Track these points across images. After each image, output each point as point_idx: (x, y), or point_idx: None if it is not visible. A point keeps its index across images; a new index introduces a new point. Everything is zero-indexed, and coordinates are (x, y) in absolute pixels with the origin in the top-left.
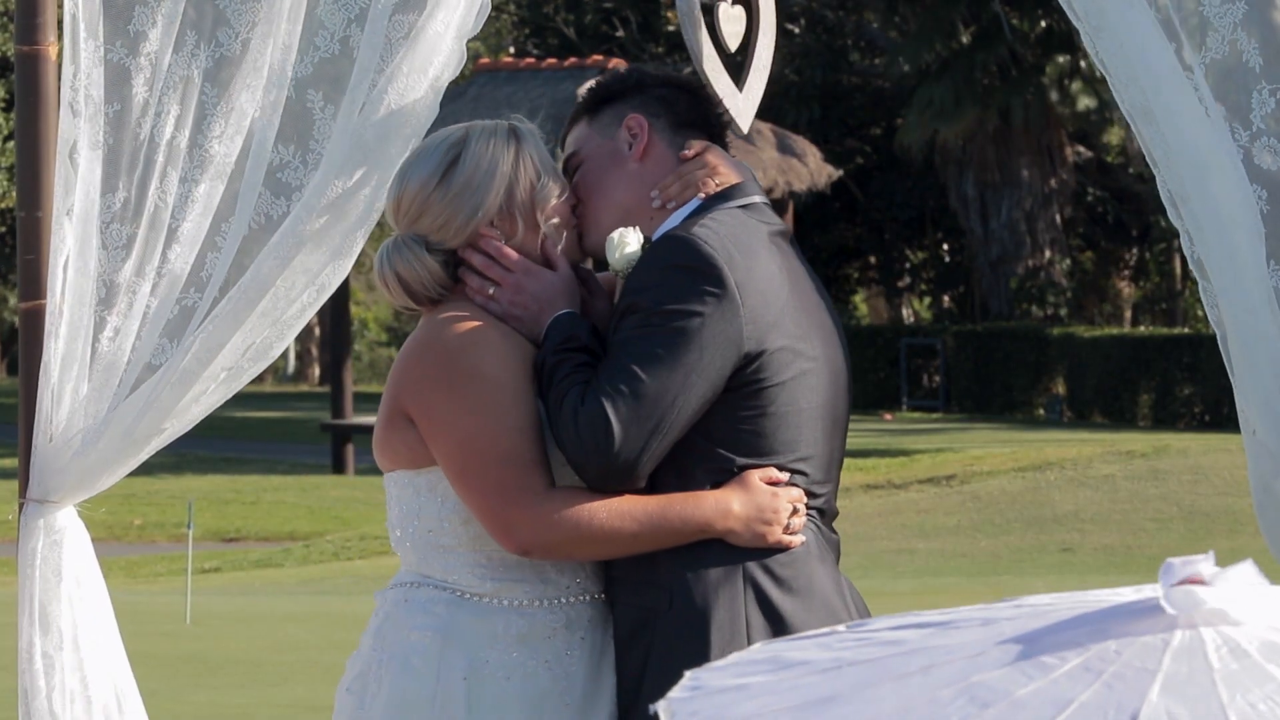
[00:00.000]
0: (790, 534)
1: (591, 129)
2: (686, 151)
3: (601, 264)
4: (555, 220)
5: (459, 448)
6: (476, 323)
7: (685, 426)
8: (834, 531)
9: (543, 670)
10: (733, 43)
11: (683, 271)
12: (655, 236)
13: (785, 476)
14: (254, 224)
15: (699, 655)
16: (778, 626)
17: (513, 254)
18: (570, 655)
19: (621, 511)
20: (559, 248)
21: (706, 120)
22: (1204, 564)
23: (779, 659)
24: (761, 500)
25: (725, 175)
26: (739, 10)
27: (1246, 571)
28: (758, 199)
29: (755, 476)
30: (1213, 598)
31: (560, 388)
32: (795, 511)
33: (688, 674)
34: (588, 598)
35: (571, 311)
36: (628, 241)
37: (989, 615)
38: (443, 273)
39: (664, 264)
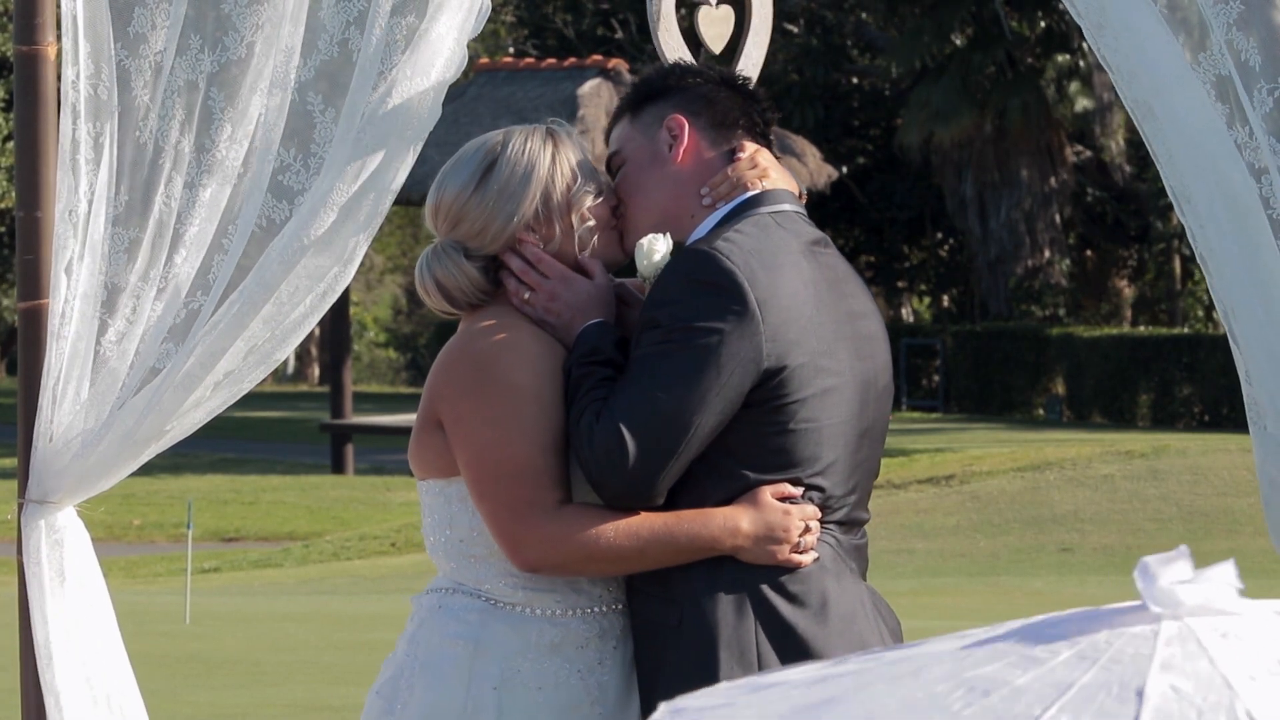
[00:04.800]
0: (801, 552)
1: (634, 128)
2: (740, 154)
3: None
4: (590, 222)
5: (476, 459)
6: (511, 330)
7: (703, 444)
8: (861, 537)
9: (575, 680)
10: (716, 45)
11: (703, 287)
12: (691, 240)
13: (799, 492)
14: (257, 228)
15: (708, 672)
16: (790, 642)
17: (550, 260)
18: (603, 666)
19: (629, 530)
20: (589, 250)
21: (749, 118)
22: (1182, 563)
23: (754, 684)
24: (771, 518)
25: (773, 180)
26: (725, 11)
27: (1227, 572)
28: (788, 207)
29: (767, 493)
30: (1195, 595)
31: (581, 403)
32: (807, 529)
33: (663, 705)
34: (620, 607)
35: (602, 321)
36: (656, 249)
37: (958, 634)
38: (482, 279)
39: (685, 278)
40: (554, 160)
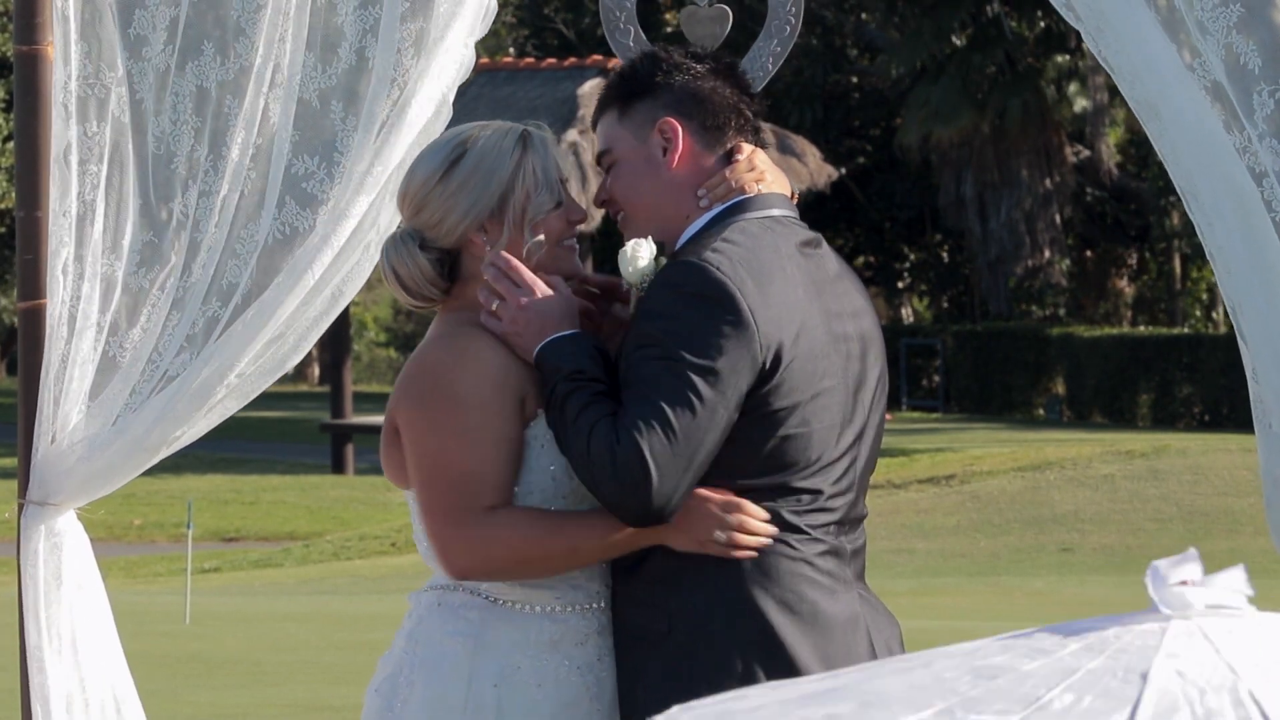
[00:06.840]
0: (740, 546)
1: (624, 127)
2: (738, 156)
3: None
4: (540, 237)
5: (417, 465)
6: (462, 338)
7: (711, 459)
8: (860, 536)
9: (574, 676)
10: (706, 42)
11: (698, 301)
12: (680, 242)
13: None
14: (277, 234)
15: (693, 679)
16: (777, 652)
17: (525, 272)
18: (602, 662)
19: (558, 530)
20: (534, 262)
21: (740, 115)
22: (1191, 565)
23: (766, 685)
24: (700, 506)
25: (769, 184)
26: (719, 10)
27: (1236, 576)
28: (777, 211)
29: (703, 490)
30: (1204, 598)
31: (581, 423)
32: (742, 517)
33: (676, 707)
34: None
35: (574, 334)
36: (640, 255)
37: (970, 643)
38: (433, 271)
39: (676, 292)
40: (519, 165)
